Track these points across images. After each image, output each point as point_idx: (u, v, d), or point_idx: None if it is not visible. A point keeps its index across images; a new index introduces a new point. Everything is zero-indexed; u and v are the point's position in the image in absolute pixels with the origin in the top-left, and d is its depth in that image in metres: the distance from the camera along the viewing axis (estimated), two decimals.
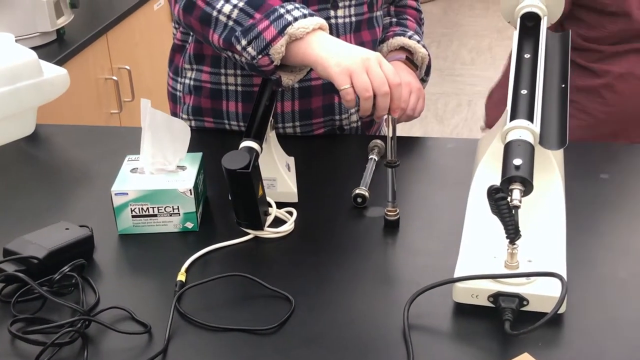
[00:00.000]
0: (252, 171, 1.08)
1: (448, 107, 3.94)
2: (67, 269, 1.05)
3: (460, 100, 4.01)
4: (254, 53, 1.18)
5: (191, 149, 1.24)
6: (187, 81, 1.50)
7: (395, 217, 1.18)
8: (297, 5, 1.20)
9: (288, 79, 1.21)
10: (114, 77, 2.29)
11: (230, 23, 1.20)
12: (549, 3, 1.18)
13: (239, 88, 1.45)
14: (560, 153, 1.18)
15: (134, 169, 1.22)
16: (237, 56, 1.22)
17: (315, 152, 1.44)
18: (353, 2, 1.41)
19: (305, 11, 1.19)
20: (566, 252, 1.03)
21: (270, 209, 1.19)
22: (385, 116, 1.12)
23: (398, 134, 1.16)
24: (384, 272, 1.09)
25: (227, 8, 1.20)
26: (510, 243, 0.97)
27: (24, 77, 1.49)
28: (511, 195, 0.95)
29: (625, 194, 1.26)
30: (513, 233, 0.95)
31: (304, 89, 1.44)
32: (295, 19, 1.16)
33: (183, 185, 1.17)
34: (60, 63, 1.93)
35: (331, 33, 1.32)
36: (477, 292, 0.98)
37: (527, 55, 1.13)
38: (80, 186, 1.36)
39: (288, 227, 1.17)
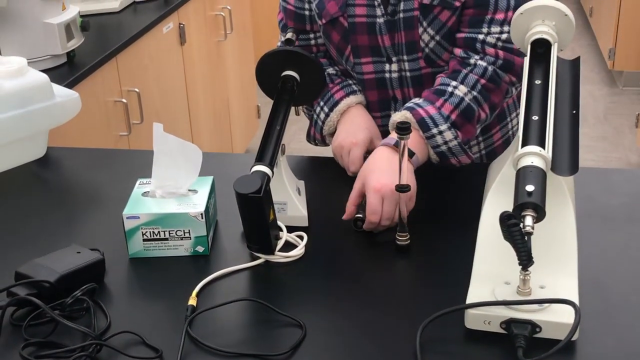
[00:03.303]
0: (263, 195, 1.08)
1: None
2: (79, 293, 1.05)
3: None
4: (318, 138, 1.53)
5: (202, 172, 1.24)
6: None
7: (406, 242, 1.18)
8: (325, 98, 1.45)
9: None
10: (124, 100, 2.30)
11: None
12: (559, 29, 1.18)
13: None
14: (571, 179, 1.18)
15: (145, 192, 1.23)
16: None
17: (326, 174, 1.44)
18: (405, 58, 1.41)
19: (327, 108, 1.44)
20: (578, 277, 1.03)
21: (281, 233, 1.19)
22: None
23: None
24: (396, 298, 1.09)
25: None
26: (522, 269, 0.97)
27: (36, 101, 1.50)
28: (524, 222, 0.94)
29: (636, 219, 1.26)
30: (526, 259, 0.95)
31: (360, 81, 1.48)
32: (323, 123, 1.46)
33: (194, 209, 1.18)
34: (70, 85, 1.94)
35: (387, 86, 1.45)
36: (489, 319, 0.97)
37: (537, 82, 1.13)
38: (91, 209, 1.37)
39: (299, 252, 1.17)
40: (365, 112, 1.45)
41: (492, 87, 1.34)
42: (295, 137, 3.87)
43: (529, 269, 0.97)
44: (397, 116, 1.32)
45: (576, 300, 0.98)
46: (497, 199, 1.13)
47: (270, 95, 1.30)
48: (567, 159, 1.04)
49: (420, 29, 1.37)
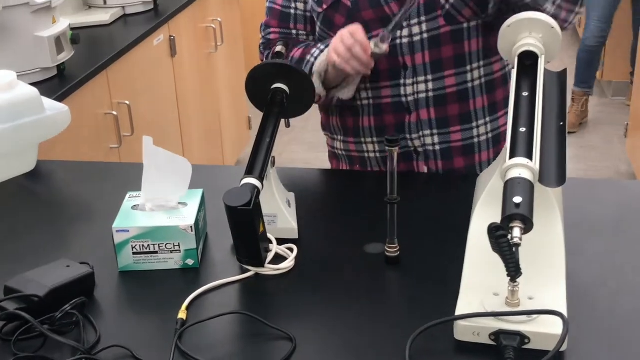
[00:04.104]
0: (253, 208, 1.09)
1: None
2: (69, 307, 1.05)
3: None
4: None
5: (192, 184, 1.25)
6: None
7: (396, 254, 1.19)
8: (322, 46, 1.43)
9: (343, 94, 1.44)
10: (114, 112, 2.31)
11: None
12: (546, 42, 1.19)
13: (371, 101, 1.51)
14: (559, 190, 1.19)
15: (135, 205, 1.23)
16: None
17: (316, 186, 1.44)
18: (424, 19, 1.40)
19: (323, 46, 1.42)
20: (566, 288, 1.03)
21: (270, 245, 1.19)
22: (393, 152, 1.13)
23: (399, 169, 1.17)
24: (385, 309, 1.09)
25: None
26: (511, 281, 0.98)
27: (26, 114, 1.50)
28: (512, 233, 0.95)
29: (625, 229, 1.27)
30: (514, 271, 0.96)
31: (377, 106, 1.49)
32: (315, 58, 1.42)
33: (184, 222, 1.18)
34: (60, 98, 1.94)
35: (397, 54, 1.44)
36: (478, 330, 0.98)
37: (525, 94, 1.14)
38: (81, 223, 1.36)
39: (288, 264, 1.18)
40: None
41: None
42: (287, 149, 3.88)
43: (518, 280, 0.97)
44: None
45: (564, 311, 0.98)
46: (485, 211, 1.13)
47: (260, 108, 1.31)
48: (555, 170, 1.05)
49: None
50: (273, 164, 1.24)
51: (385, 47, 1.34)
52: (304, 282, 1.16)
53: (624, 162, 3.70)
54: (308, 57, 1.45)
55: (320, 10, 1.45)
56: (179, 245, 1.18)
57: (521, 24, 1.20)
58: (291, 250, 1.21)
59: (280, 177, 1.31)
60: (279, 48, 1.43)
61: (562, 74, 1.22)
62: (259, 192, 1.13)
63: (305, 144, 3.93)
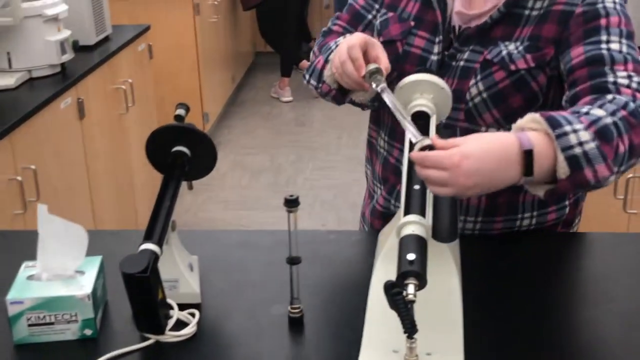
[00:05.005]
0: (150, 275, 1.07)
1: (361, 195, 4.01)
2: None
3: None
4: (315, 83, 1.43)
5: (96, 250, 1.22)
6: None
7: (299, 315, 1.19)
8: (348, 34, 1.39)
9: (358, 97, 1.37)
10: (18, 177, 2.25)
11: (308, 68, 1.46)
12: (437, 102, 1.23)
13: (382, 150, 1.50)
14: (456, 244, 1.22)
15: (30, 275, 1.19)
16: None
17: (222, 247, 1.43)
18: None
19: (349, 34, 1.38)
20: (464, 343, 1.05)
21: (171, 311, 1.17)
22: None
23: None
24: None
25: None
26: (408, 337, 0.99)
27: None
28: (406, 290, 0.96)
29: (523, 282, 1.30)
30: (410, 327, 0.97)
31: None
32: (337, 45, 1.34)
33: (81, 290, 1.15)
34: None
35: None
36: None
37: None
38: None
39: (190, 330, 1.16)
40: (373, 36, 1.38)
41: (633, 122, 1.13)
42: (203, 207, 3.86)
43: (415, 336, 0.99)
44: (524, 119, 1.13)
45: None
46: (385, 268, 1.15)
47: (161, 171, 1.30)
48: (447, 226, 1.07)
49: (472, 81, 1.33)
50: (174, 228, 1.23)
51: (379, 88, 1.22)
52: (207, 347, 1.14)
53: None
54: (332, 44, 1.41)
55: (376, 39, 1.40)
56: (76, 315, 1.15)
57: (413, 85, 1.24)
58: (193, 315, 1.19)
59: (184, 241, 1.30)
60: (178, 112, 1.43)
61: (453, 133, 1.26)
62: (157, 257, 1.12)
63: (221, 202, 3.92)
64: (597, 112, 1.13)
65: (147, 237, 1.14)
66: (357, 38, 1.27)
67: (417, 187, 1.11)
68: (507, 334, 1.15)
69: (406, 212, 1.07)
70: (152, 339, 1.14)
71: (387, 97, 1.19)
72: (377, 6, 1.46)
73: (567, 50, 1.27)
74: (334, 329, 1.18)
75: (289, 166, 4.37)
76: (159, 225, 1.17)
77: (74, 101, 2.66)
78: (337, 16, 1.53)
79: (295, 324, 1.19)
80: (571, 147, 1.06)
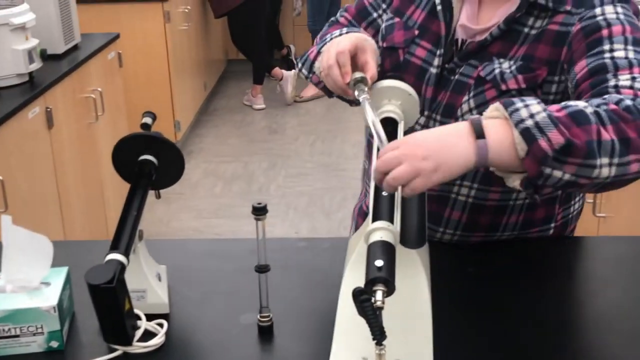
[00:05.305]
0: (116, 285, 1.06)
1: (334, 202, 4.01)
2: None
3: (346, 194, 4.09)
4: (305, 73, 1.43)
5: (64, 262, 1.20)
6: None
7: (268, 323, 1.18)
8: (346, 28, 1.39)
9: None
10: None
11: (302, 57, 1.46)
12: (405, 108, 1.24)
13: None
14: (425, 250, 1.22)
15: None
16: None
17: (190, 257, 1.42)
18: (438, 118, 1.34)
19: (345, 30, 1.37)
20: (434, 349, 1.05)
21: (139, 322, 1.16)
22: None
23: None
24: None
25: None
26: (377, 344, 0.98)
27: None
28: (375, 297, 0.96)
29: (490, 286, 1.31)
30: (379, 334, 0.96)
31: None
32: (332, 39, 1.34)
33: (46, 302, 1.13)
34: None
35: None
36: None
37: None
38: None
39: (158, 341, 1.15)
40: (368, 38, 1.31)
41: (626, 116, 1.07)
42: (175, 216, 3.83)
43: (384, 343, 0.98)
44: (487, 110, 1.10)
45: None
46: (354, 275, 1.15)
47: (128, 180, 1.29)
48: (415, 232, 1.07)
49: (465, 97, 1.32)
50: (141, 237, 1.22)
51: (361, 98, 1.20)
52: (175, 358, 1.13)
53: None
54: (328, 36, 1.39)
55: (379, 44, 1.41)
56: (42, 327, 1.13)
57: (381, 92, 1.24)
58: (161, 325, 1.18)
59: (152, 250, 1.29)
60: (145, 120, 1.41)
61: None
62: (124, 268, 1.10)
63: (194, 210, 3.90)
64: (577, 103, 1.08)
65: (114, 247, 1.13)
66: (348, 42, 1.24)
67: (385, 193, 1.11)
68: (479, 340, 1.15)
69: (374, 219, 1.07)
70: (120, 350, 1.13)
71: (367, 109, 1.17)
72: (384, 6, 1.44)
73: (571, 68, 1.23)
74: (303, 337, 1.17)
75: (262, 174, 4.36)
76: (125, 235, 1.16)
77: (42, 110, 2.63)
78: (345, 8, 1.52)
79: (265, 333, 1.18)
80: (522, 120, 1.03)
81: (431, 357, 1.03)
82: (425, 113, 1.37)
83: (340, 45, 1.24)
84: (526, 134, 1.02)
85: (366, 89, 1.21)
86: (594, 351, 1.14)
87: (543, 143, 1.01)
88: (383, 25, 1.44)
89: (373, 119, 1.15)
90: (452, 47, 1.36)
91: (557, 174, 1.03)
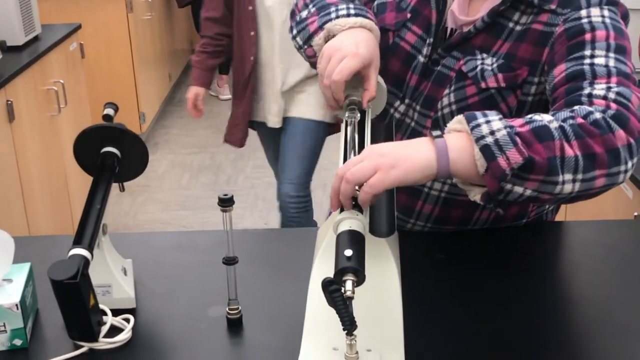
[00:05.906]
0: (80, 281, 1.03)
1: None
2: None
3: (316, 184, 4.08)
4: (300, 43, 1.31)
5: (28, 257, 1.17)
6: None
7: (237, 316, 1.16)
8: (352, 5, 1.26)
9: None
10: None
11: (297, 19, 1.34)
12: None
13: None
14: (395, 239, 1.21)
15: None
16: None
17: (156, 249, 1.40)
18: (418, 108, 1.32)
19: (353, 11, 1.25)
20: (405, 338, 1.04)
21: (105, 317, 1.14)
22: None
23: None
24: None
25: (303, 8, 1.35)
26: (347, 334, 0.97)
27: None
28: (344, 287, 0.95)
29: (460, 271, 1.30)
30: (349, 324, 0.95)
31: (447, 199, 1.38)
32: (337, 17, 1.24)
33: (8, 299, 1.10)
34: None
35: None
36: None
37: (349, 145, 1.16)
38: None
39: (125, 336, 1.12)
40: (376, 43, 1.25)
41: (592, 131, 1.04)
42: (142, 209, 3.79)
43: (354, 333, 0.97)
44: (451, 122, 1.09)
45: None
46: (323, 265, 1.13)
47: (90, 173, 1.26)
48: (385, 221, 1.06)
49: (446, 91, 1.30)
50: (105, 231, 1.19)
51: (349, 120, 1.17)
52: (142, 353, 1.11)
53: None
54: (332, 9, 1.27)
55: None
56: (4, 325, 1.10)
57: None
58: (128, 320, 1.16)
59: (117, 244, 1.26)
60: (107, 111, 1.38)
61: (389, 126, 1.25)
62: (87, 262, 1.08)
63: (160, 203, 3.86)
64: (542, 117, 1.06)
65: (77, 242, 1.10)
66: (356, 61, 1.16)
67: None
68: (449, 329, 1.15)
69: (343, 208, 1.05)
70: (85, 347, 1.10)
71: (349, 130, 1.15)
72: None
73: (551, 71, 1.20)
74: (273, 329, 1.16)
75: (230, 165, 4.33)
76: (88, 229, 1.13)
77: (2, 103, 2.57)
78: None
79: (234, 326, 1.16)
80: (483, 137, 1.02)
81: (402, 346, 1.03)
82: (406, 101, 1.35)
83: (347, 65, 1.16)
84: (486, 150, 1.01)
85: (357, 114, 1.18)
86: (559, 330, 1.14)
87: (502, 161, 1.00)
88: (375, 3, 1.39)
89: (350, 142, 1.13)
90: (442, 37, 1.33)
91: (518, 189, 1.03)
